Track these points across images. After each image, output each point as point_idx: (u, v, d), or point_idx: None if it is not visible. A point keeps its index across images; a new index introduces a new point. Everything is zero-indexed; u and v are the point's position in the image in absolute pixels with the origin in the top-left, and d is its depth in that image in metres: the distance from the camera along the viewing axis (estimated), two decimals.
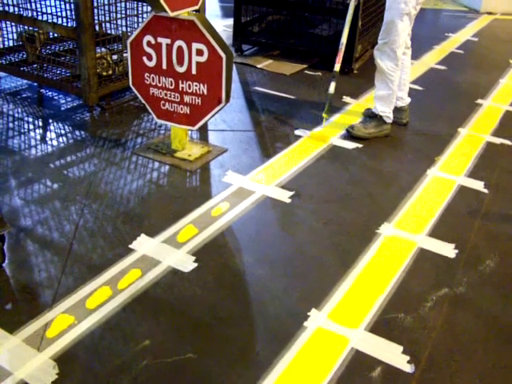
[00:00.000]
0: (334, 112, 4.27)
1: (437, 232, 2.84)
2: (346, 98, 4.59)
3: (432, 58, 5.95)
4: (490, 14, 8.56)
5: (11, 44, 4.61)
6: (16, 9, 4.19)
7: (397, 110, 4.02)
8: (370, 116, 3.96)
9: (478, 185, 3.32)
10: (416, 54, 5.96)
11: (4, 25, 4.48)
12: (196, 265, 2.49)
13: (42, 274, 2.39)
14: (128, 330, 2.12)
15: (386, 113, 3.85)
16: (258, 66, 5.33)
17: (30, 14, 4.16)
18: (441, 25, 7.90)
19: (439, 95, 4.87)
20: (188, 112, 3.28)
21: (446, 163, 3.57)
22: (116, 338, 2.08)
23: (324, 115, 3.91)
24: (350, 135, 3.86)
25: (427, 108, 4.54)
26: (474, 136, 4.02)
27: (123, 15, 4.34)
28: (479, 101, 4.72)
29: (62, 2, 4.09)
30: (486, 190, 3.26)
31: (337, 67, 3.90)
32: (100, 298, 2.26)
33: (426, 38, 6.82)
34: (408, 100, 4.10)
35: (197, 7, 3.15)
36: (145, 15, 4.37)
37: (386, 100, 3.82)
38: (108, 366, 1.96)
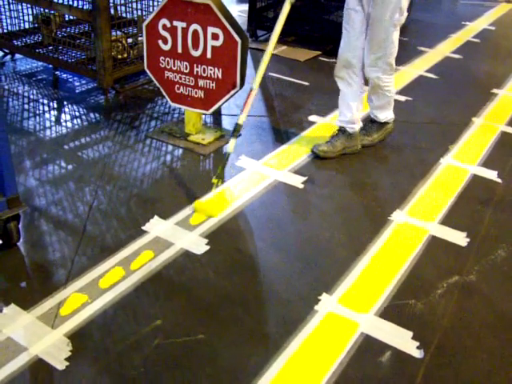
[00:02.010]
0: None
1: (449, 220, 2.83)
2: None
3: (448, 47, 5.90)
4: (508, 2, 8.46)
5: (27, 26, 4.63)
6: None
7: (348, 138, 3.41)
8: (371, 121, 3.55)
9: (492, 174, 3.30)
10: (432, 43, 5.93)
11: (20, 7, 4.50)
12: (208, 247, 2.51)
13: (56, 253, 2.42)
14: (140, 310, 2.14)
15: (389, 116, 3.49)
16: (273, 51, 5.30)
17: None
18: (458, 13, 7.82)
19: (454, 84, 4.84)
20: (202, 96, 3.28)
21: (460, 152, 3.56)
22: (128, 317, 2.11)
23: (214, 181, 2.87)
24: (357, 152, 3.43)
25: (442, 96, 4.51)
26: (488, 125, 3.99)
27: None
28: (494, 90, 4.68)
29: None
30: (499, 180, 3.24)
31: (241, 119, 2.97)
32: (113, 278, 2.29)
33: (442, 26, 6.76)
34: (359, 127, 3.47)
35: None
36: None
37: (385, 107, 3.45)
38: (120, 344, 1.99)
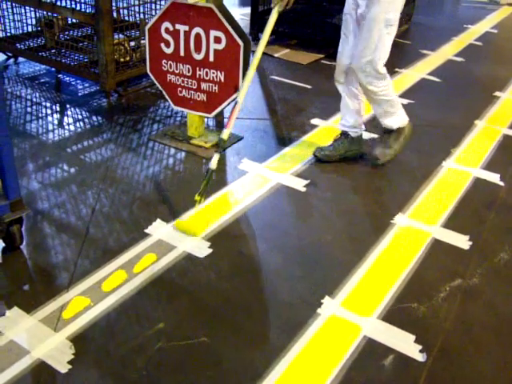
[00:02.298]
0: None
1: (451, 223, 2.83)
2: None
3: (450, 50, 5.90)
4: (510, 5, 8.46)
5: (30, 29, 4.64)
6: None
7: (352, 142, 3.35)
8: (386, 132, 3.30)
9: (494, 177, 3.30)
10: (434, 46, 5.93)
11: (23, 10, 4.51)
12: (211, 251, 2.51)
13: (58, 256, 2.42)
14: (143, 313, 2.15)
15: (401, 117, 3.23)
16: (275, 54, 5.32)
17: (49, 0, 4.18)
18: (460, 16, 7.82)
19: (456, 87, 4.84)
20: (205, 99, 3.29)
21: (462, 155, 3.55)
22: (131, 320, 2.11)
23: (197, 198, 2.71)
24: (376, 164, 3.31)
25: (444, 99, 4.51)
26: (490, 128, 3.99)
27: (140, 2, 4.35)
28: (497, 93, 4.68)
29: None
30: (501, 183, 3.24)
31: (225, 134, 2.85)
32: (116, 281, 2.29)
33: (445, 29, 6.76)
34: (362, 130, 3.40)
35: None
36: (162, 2, 4.37)
37: (391, 112, 3.19)
38: (123, 347, 1.99)
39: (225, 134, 2.85)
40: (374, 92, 3.07)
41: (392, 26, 2.92)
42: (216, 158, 2.79)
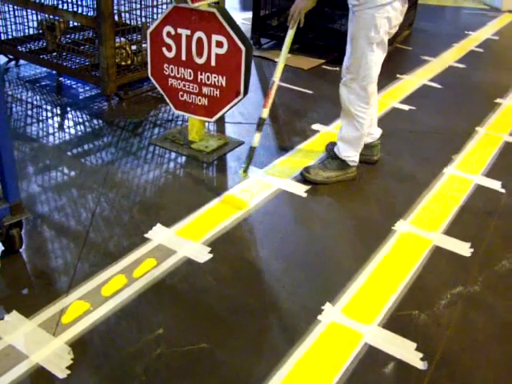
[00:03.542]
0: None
1: (452, 230, 2.82)
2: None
3: (451, 56, 5.90)
4: (511, 12, 8.47)
5: (32, 32, 4.64)
6: None
7: (365, 147, 3.25)
8: (332, 156, 3.21)
9: (495, 184, 3.29)
10: (435, 52, 5.93)
11: (25, 13, 4.51)
12: (211, 256, 2.50)
13: (58, 260, 2.41)
14: (143, 319, 2.13)
15: (352, 157, 3.13)
16: (276, 59, 5.30)
17: (50, 3, 4.18)
18: (461, 23, 7.82)
19: (458, 93, 4.83)
20: (206, 103, 3.28)
21: (463, 162, 3.55)
22: (130, 325, 2.10)
23: (243, 173, 3.06)
24: (304, 179, 3.17)
25: (445, 106, 4.50)
26: (492, 135, 3.98)
27: (142, 5, 4.35)
28: (498, 100, 4.68)
29: None
30: (503, 190, 3.23)
31: (265, 113, 3.02)
32: (115, 286, 2.28)
33: (446, 35, 6.76)
34: (378, 133, 3.38)
35: None
36: (164, 6, 4.37)
37: (352, 143, 3.10)
38: (122, 353, 1.98)
39: (264, 113, 3.03)
40: (350, 111, 3.02)
41: (375, 45, 2.82)
42: (257, 135, 3.03)
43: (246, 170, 3.05)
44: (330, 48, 5.42)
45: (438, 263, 2.58)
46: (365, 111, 3.00)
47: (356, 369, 1.98)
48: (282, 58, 3.09)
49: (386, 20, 2.77)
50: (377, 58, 2.87)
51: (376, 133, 3.37)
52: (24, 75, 4.53)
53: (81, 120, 3.82)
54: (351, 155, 3.13)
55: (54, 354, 1.94)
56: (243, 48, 3.02)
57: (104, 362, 1.94)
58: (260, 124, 3.03)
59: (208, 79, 3.20)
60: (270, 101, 3.03)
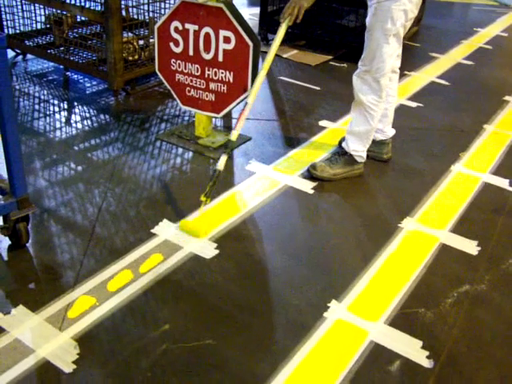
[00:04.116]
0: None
1: (459, 228, 2.81)
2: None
3: (459, 53, 5.87)
4: None
5: (39, 27, 4.64)
6: None
7: (375, 144, 3.32)
8: (339, 153, 3.24)
9: (503, 182, 3.27)
10: (443, 49, 5.91)
11: (32, 7, 4.51)
12: (217, 252, 2.50)
13: (64, 255, 2.42)
14: (148, 314, 2.13)
15: (359, 152, 3.15)
16: (284, 55, 5.31)
17: None
18: (469, 19, 7.79)
19: (466, 91, 4.81)
20: (213, 99, 3.28)
21: (471, 160, 3.53)
22: (136, 321, 2.10)
23: (202, 198, 2.69)
24: (311, 176, 3.17)
25: (453, 103, 4.48)
26: (499, 133, 3.96)
27: (150, 0, 4.34)
28: (507, 97, 4.65)
29: None
30: (510, 188, 3.22)
31: (234, 135, 2.85)
32: (121, 281, 2.28)
33: (454, 32, 6.73)
34: (391, 133, 3.38)
35: None
36: (171, 1, 4.36)
37: (361, 137, 3.11)
38: (128, 348, 1.98)
39: (233, 136, 2.84)
40: (361, 101, 3.02)
41: (391, 37, 2.84)
42: (223, 159, 2.77)
43: (207, 195, 2.68)
44: (337, 44, 5.40)
45: (445, 261, 2.57)
46: (377, 104, 3.01)
47: (361, 366, 1.97)
48: (272, 53, 2.92)
49: (402, 12, 2.80)
50: (392, 50, 2.89)
51: (389, 131, 3.37)
52: (31, 70, 4.54)
53: (88, 115, 3.82)
54: (359, 150, 3.14)
55: (60, 349, 1.95)
56: (251, 44, 3.01)
57: (110, 356, 1.95)
58: (228, 146, 2.82)
59: (215, 75, 3.19)
60: (241, 123, 2.86)
